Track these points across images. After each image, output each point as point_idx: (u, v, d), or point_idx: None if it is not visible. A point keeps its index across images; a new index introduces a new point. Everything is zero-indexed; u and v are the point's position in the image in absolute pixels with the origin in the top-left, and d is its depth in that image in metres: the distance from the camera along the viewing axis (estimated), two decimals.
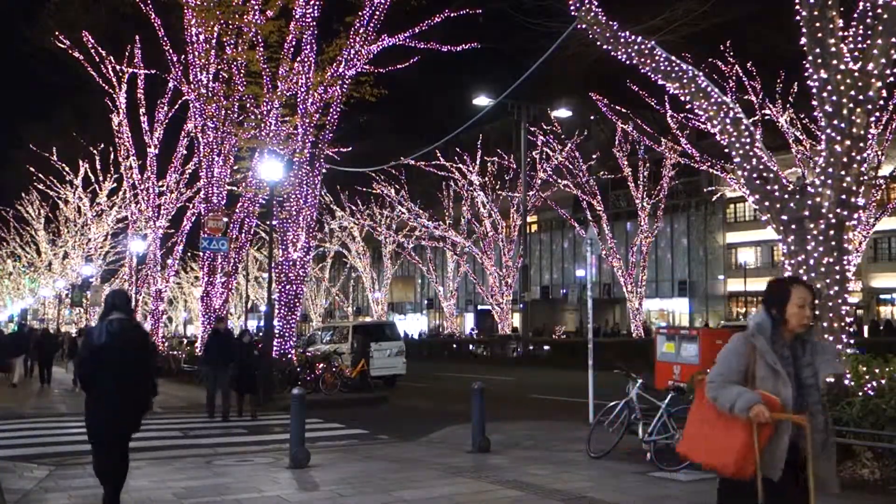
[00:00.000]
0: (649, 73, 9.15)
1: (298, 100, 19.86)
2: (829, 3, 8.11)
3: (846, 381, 7.87)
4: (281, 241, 19.95)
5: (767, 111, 28.11)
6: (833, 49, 8.05)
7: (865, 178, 14.21)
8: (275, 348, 18.67)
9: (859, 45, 8.09)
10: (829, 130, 8.12)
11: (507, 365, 30.67)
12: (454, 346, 40.35)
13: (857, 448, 7.43)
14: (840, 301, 8.08)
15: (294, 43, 20.05)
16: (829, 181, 8.11)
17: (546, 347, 34.92)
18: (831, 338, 7.99)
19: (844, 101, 8.02)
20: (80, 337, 36.53)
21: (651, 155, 35.99)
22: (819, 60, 8.14)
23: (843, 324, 8.10)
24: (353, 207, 52.37)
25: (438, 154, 40.44)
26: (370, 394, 18.32)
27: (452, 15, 20.49)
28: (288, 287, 19.84)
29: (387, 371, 21.05)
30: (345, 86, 20.05)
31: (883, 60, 7.95)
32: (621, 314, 50.52)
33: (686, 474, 7.79)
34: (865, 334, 31.35)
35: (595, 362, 12.31)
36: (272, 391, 17.01)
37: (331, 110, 20.18)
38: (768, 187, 8.46)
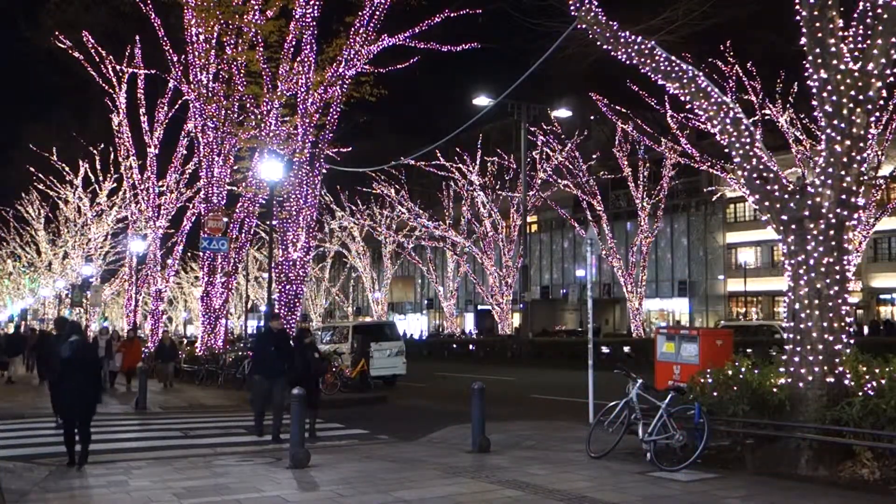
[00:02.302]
0: (649, 73, 9.14)
1: (298, 100, 19.88)
2: (829, 3, 8.11)
3: (846, 381, 7.87)
4: (281, 241, 19.96)
5: (767, 111, 28.12)
6: (833, 49, 8.05)
7: (865, 178, 14.23)
8: None
9: (859, 45, 8.09)
10: (829, 130, 8.12)
11: (507, 365, 30.67)
12: (454, 345, 40.34)
13: (857, 448, 7.43)
14: (840, 301, 8.08)
15: (294, 43, 20.06)
16: (829, 181, 8.10)
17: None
18: (831, 338, 7.99)
19: (844, 101, 8.02)
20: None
21: (651, 155, 36.00)
22: (819, 60, 8.14)
23: (843, 324, 8.09)
24: (353, 207, 52.38)
25: (438, 154, 40.44)
26: (370, 394, 18.31)
27: (452, 15, 20.51)
28: (288, 287, 19.85)
29: (387, 371, 21.04)
30: (345, 86, 20.07)
31: (883, 60, 7.95)
32: (621, 314, 50.54)
33: (686, 474, 7.79)
34: (865, 334, 31.34)
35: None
36: None
37: (331, 110, 20.20)
38: (768, 187, 8.45)
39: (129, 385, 21.15)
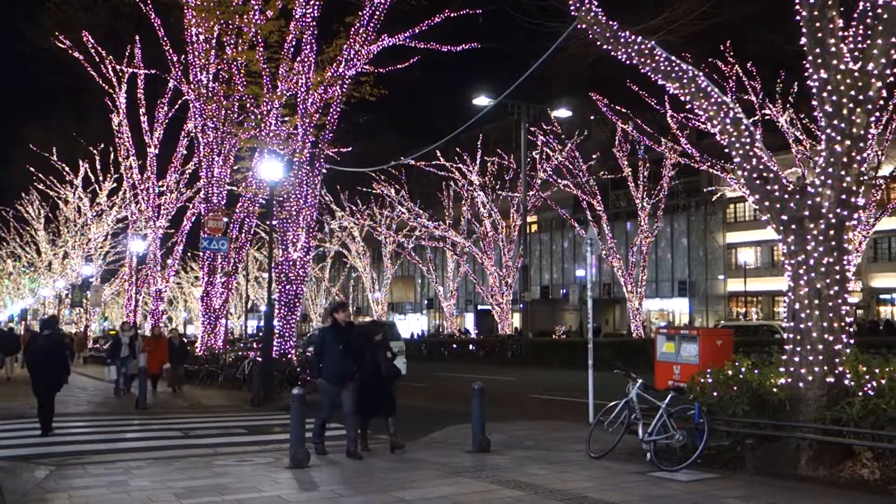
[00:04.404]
0: (649, 73, 9.14)
1: (298, 100, 19.86)
2: (829, 3, 8.11)
3: (846, 381, 7.87)
4: (281, 241, 19.94)
5: (767, 111, 28.11)
6: (833, 49, 8.05)
7: (865, 178, 14.22)
8: (275, 348, 18.66)
9: (859, 45, 8.09)
10: (829, 130, 8.12)
11: (507, 365, 30.66)
12: (454, 345, 40.34)
13: (857, 448, 7.43)
14: (840, 301, 8.08)
15: (294, 43, 20.05)
16: (829, 181, 8.10)
17: None
18: (831, 338, 7.99)
19: (844, 101, 8.02)
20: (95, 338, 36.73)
21: (651, 155, 35.99)
22: (819, 60, 8.14)
23: (843, 324, 8.09)
24: (353, 207, 52.39)
25: (438, 154, 40.44)
26: None
27: (452, 15, 20.49)
28: (288, 287, 19.84)
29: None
30: (345, 86, 20.05)
31: (883, 60, 7.95)
32: (621, 314, 50.54)
33: (686, 474, 7.79)
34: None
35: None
36: (272, 391, 17.01)
37: (331, 110, 20.18)
38: (768, 187, 8.45)
39: (156, 390, 19.46)
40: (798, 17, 8.29)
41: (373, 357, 9.72)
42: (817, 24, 8.09)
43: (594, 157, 38.45)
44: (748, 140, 8.56)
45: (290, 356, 19.50)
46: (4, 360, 23.96)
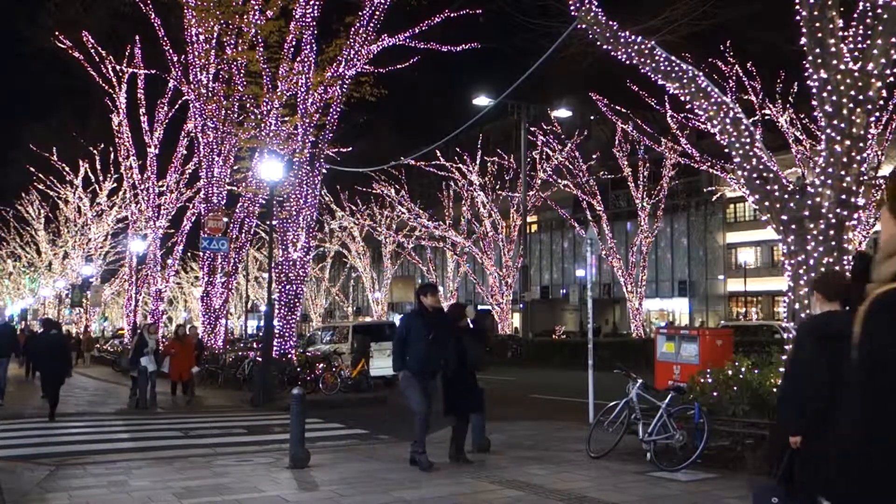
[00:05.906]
0: (649, 73, 9.14)
1: (298, 100, 19.86)
2: (829, 3, 8.11)
3: None
4: (281, 241, 19.95)
5: (767, 111, 28.11)
6: (833, 49, 8.05)
7: (865, 178, 14.20)
8: (275, 348, 18.67)
9: (859, 45, 8.09)
10: (829, 130, 8.12)
11: (507, 365, 30.65)
12: None
13: None
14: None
15: (294, 43, 20.05)
16: (829, 181, 8.10)
17: None
18: None
19: (844, 101, 8.02)
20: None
21: (651, 155, 35.98)
22: (819, 60, 8.14)
23: None
24: (353, 207, 52.39)
25: (438, 154, 40.45)
26: (370, 394, 18.31)
27: (452, 15, 20.50)
28: (288, 287, 19.84)
29: (387, 371, 21.00)
30: (345, 86, 20.05)
31: (883, 60, 7.95)
32: (621, 314, 50.55)
33: (686, 474, 7.79)
34: None
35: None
36: (272, 391, 17.01)
37: (331, 110, 20.18)
38: (768, 187, 8.46)
39: (185, 395, 17.80)
40: (798, 17, 8.29)
41: (457, 345, 8.61)
42: (817, 24, 8.09)
43: (594, 157, 38.44)
44: (748, 140, 8.56)
45: (290, 356, 19.49)
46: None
